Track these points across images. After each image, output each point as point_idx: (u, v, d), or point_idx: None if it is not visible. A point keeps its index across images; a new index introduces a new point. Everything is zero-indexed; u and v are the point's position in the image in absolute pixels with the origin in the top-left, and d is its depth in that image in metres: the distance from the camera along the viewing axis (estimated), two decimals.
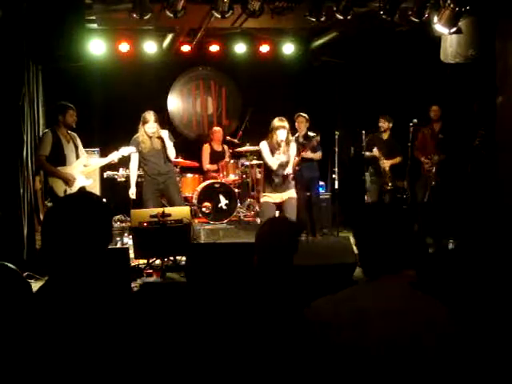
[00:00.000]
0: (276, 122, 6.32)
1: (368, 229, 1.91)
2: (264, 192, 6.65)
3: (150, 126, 6.94)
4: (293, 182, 6.70)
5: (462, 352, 1.73)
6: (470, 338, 1.82)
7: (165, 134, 7.05)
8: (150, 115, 6.95)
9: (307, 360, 1.79)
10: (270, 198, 6.49)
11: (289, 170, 6.51)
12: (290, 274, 2.53)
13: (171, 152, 7.12)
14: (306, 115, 7.94)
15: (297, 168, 7.79)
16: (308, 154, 7.73)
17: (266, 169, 6.64)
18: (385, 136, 7.92)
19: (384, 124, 7.87)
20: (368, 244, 1.90)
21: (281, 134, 6.25)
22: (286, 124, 6.29)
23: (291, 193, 6.56)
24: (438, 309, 1.79)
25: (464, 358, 1.73)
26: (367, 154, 7.91)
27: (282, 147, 6.32)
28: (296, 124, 7.93)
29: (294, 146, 6.67)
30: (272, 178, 6.46)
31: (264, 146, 6.42)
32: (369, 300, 1.78)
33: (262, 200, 6.77)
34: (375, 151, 7.81)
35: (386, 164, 7.79)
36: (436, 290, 2.49)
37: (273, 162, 6.36)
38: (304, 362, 1.80)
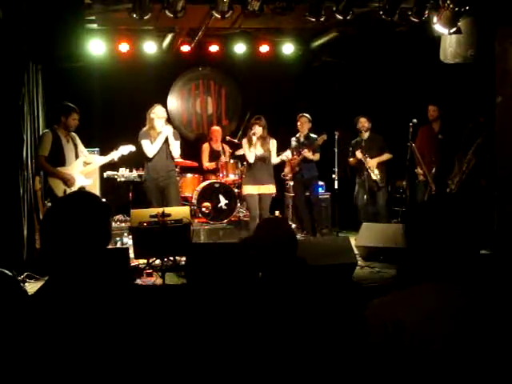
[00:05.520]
0: (252, 119, 7.29)
1: (425, 228, 1.79)
2: (244, 184, 7.39)
3: (157, 115, 6.99)
4: (272, 178, 7.38)
5: None
6: None
7: (169, 130, 7.02)
8: (158, 107, 7.06)
9: (367, 362, 1.74)
10: (250, 189, 7.21)
11: (273, 161, 7.41)
12: (296, 273, 2.52)
13: (175, 150, 7.14)
14: (308, 116, 7.96)
15: (297, 169, 7.82)
16: (308, 155, 7.73)
17: (247, 162, 7.38)
18: (365, 136, 7.90)
19: (365, 124, 7.86)
20: (425, 244, 1.78)
21: (253, 129, 7.14)
22: (260, 121, 7.13)
23: (269, 188, 7.25)
24: (494, 305, 1.73)
25: None
26: (351, 160, 7.91)
27: (255, 140, 7.16)
28: (298, 124, 7.95)
29: (273, 143, 7.35)
30: (251, 171, 7.26)
31: (244, 142, 7.33)
32: (430, 300, 1.73)
33: (244, 192, 7.39)
34: (358, 153, 7.79)
35: (372, 163, 7.75)
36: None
37: (249, 155, 7.18)
38: (363, 363, 1.76)
